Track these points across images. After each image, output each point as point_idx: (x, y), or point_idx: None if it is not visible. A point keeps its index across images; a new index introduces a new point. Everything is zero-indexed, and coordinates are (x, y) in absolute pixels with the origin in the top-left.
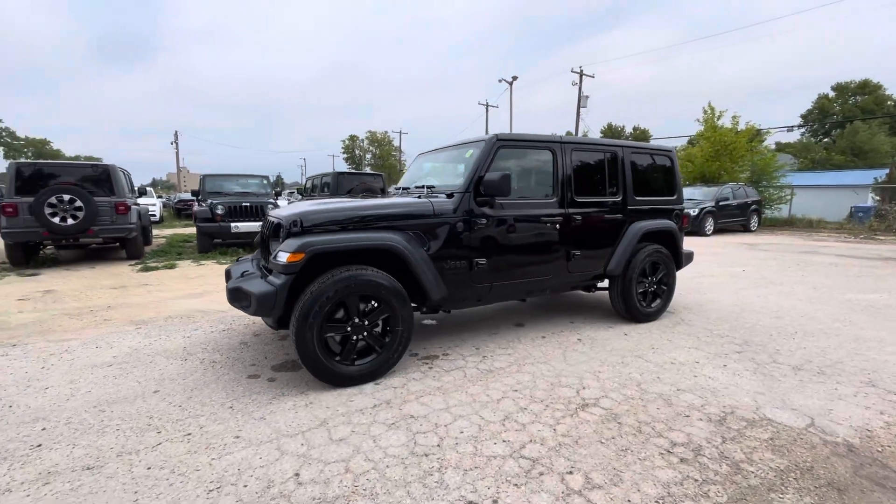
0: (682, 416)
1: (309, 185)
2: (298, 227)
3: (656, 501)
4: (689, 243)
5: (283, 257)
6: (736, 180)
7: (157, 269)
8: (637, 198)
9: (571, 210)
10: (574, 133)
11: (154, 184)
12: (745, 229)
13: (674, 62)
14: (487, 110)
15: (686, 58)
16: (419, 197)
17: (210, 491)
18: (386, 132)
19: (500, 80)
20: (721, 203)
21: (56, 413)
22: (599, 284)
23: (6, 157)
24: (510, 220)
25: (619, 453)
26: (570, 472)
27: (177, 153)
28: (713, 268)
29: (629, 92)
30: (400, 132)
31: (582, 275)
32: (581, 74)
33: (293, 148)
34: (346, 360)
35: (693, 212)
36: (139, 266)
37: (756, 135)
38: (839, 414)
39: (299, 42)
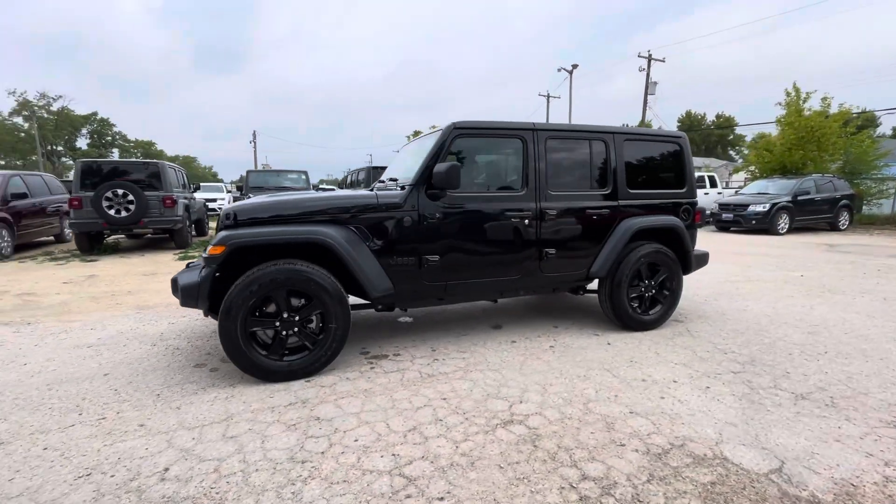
0: (616, 444)
1: (349, 179)
2: (231, 220)
3: None
4: (753, 242)
5: (207, 249)
6: (824, 171)
7: (194, 258)
8: (632, 191)
9: (545, 204)
10: (642, 122)
11: (241, 179)
12: (833, 228)
13: (774, 38)
14: (548, 101)
15: (789, 32)
16: (370, 189)
17: (78, 477)
18: None
19: (559, 70)
20: (800, 198)
21: (13, 388)
22: (589, 286)
23: (120, 157)
24: (467, 214)
25: (513, 482)
26: (441, 499)
27: (254, 151)
28: (766, 271)
29: (724, 76)
30: None
31: (560, 276)
32: (649, 59)
33: (364, 144)
34: (273, 356)
35: (763, 207)
36: (180, 255)
37: (853, 118)
38: (824, 460)
39: (371, 41)
